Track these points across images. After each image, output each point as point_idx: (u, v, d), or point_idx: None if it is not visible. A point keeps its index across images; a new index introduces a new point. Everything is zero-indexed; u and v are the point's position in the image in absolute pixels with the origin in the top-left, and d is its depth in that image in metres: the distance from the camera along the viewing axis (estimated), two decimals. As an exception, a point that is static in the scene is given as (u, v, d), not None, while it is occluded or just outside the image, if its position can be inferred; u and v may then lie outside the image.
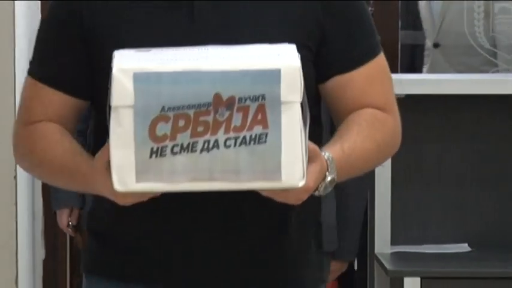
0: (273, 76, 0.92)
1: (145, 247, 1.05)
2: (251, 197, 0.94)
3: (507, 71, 3.62)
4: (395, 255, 2.53)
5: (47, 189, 2.88)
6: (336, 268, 2.34)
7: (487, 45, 3.57)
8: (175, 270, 1.05)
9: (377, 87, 1.08)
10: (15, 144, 1.14)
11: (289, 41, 1.01)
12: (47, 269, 3.15)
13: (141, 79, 0.92)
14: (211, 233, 1.03)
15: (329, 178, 0.96)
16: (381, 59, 1.09)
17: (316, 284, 1.13)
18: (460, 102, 2.69)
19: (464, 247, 2.61)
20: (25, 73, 1.21)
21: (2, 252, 2.82)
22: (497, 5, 3.63)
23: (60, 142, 1.07)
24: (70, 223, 2.66)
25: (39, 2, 2.94)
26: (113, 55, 0.97)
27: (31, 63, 1.15)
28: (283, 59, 0.95)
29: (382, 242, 2.56)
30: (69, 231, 2.74)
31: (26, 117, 1.12)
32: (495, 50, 3.59)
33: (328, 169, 0.96)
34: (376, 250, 2.55)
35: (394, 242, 2.56)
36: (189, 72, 0.93)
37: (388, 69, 1.13)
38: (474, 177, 2.70)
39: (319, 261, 1.16)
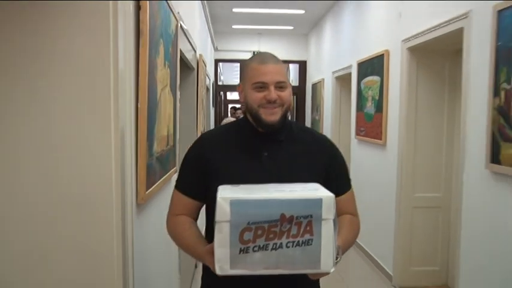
0: (318, 203, 1.40)
1: None
2: (296, 275, 1.47)
3: None
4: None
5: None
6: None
7: None
8: None
9: (351, 204, 1.88)
10: (167, 227, 1.84)
11: (313, 179, 1.64)
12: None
13: (235, 204, 1.38)
14: None
15: (339, 259, 1.54)
16: (351, 190, 1.89)
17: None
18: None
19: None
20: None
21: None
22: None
23: (188, 229, 1.76)
24: None
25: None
26: (218, 188, 1.50)
27: (177, 181, 1.86)
28: (321, 192, 1.46)
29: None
30: None
31: (172, 212, 1.83)
32: None
33: (338, 253, 1.53)
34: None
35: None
36: (265, 200, 1.39)
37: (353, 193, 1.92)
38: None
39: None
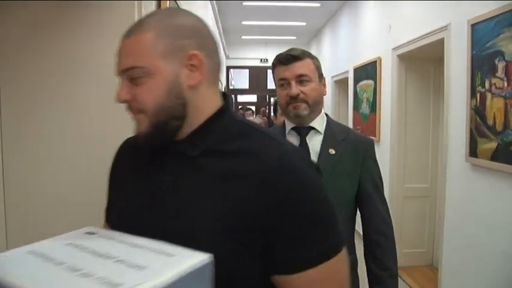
0: None
1: None
2: None
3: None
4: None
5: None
6: None
7: None
8: None
9: None
10: None
11: (228, 232, 0.81)
12: None
13: None
14: None
15: None
16: (328, 265, 0.83)
17: None
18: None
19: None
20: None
21: None
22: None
23: None
24: None
25: None
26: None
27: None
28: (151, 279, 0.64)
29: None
30: None
31: None
32: None
33: None
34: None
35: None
36: None
37: (340, 273, 0.86)
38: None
39: None
